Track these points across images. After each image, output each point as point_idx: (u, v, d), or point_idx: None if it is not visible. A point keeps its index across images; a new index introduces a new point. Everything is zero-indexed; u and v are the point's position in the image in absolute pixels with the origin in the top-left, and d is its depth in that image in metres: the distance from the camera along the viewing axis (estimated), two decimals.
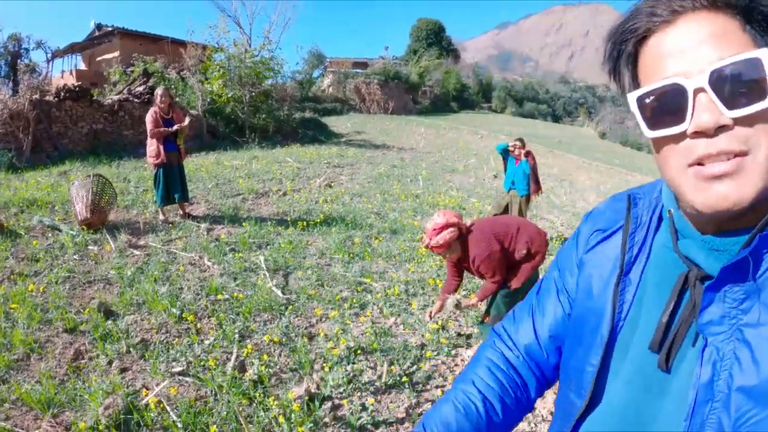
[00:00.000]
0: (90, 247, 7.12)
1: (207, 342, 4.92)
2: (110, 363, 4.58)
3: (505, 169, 9.07)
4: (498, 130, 34.85)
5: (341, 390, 4.36)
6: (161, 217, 8.50)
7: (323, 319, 5.58)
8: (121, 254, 6.93)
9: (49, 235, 7.48)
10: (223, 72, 20.42)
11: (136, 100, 17.26)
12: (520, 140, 8.81)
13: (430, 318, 5.08)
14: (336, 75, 43.18)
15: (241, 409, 3.99)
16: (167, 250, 7.16)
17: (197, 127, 18.41)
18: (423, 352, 5.10)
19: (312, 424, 3.91)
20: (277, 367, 4.67)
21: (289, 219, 8.82)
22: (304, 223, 8.52)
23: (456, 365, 5.04)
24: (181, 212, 8.77)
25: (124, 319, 5.27)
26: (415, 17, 58.43)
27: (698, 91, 0.75)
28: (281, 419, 3.84)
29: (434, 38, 62.22)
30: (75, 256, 6.77)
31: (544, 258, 4.96)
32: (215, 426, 3.71)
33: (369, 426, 4.01)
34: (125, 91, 18.11)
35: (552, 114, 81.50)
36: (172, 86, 20.25)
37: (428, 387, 4.62)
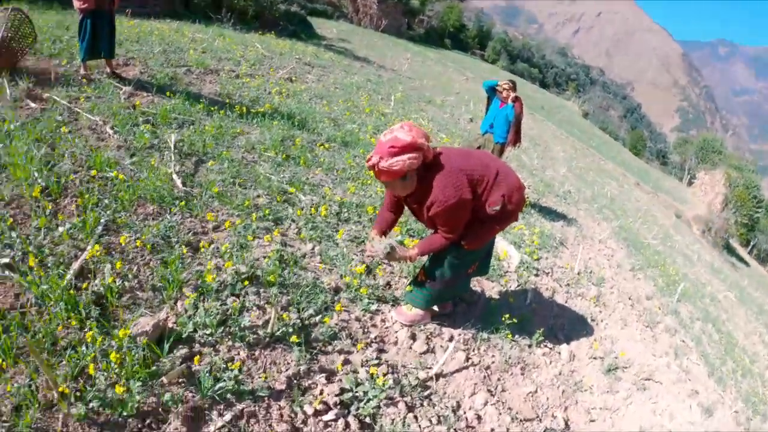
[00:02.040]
0: None
1: (60, 230, 3.64)
2: None
3: (487, 111, 7.88)
4: (485, 77, 33.40)
5: (207, 333, 3.21)
6: (82, 71, 6.97)
7: (221, 228, 4.33)
8: (14, 104, 5.45)
9: None
10: None
11: None
12: (512, 82, 7.63)
13: (367, 257, 3.99)
14: None
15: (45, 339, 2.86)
16: (70, 108, 5.70)
17: None
18: (335, 299, 3.96)
19: (147, 377, 2.81)
20: (136, 281, 3.47)
21: (228, 102, 7.38)
22: (244, 108, 7.08)
23: (373, 326, 3.93)
24: (108, 70, 7.24)
25: None
26: None
27: None
28: (112, 357, 2.74)
29: None
30: None
31: (516, 219, 3.81)
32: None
33: (228, 395, 2.91)
34: None
35: (541, 80, 79.86)
36: None
37: (328, 350, 3.52)
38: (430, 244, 3.64)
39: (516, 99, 7.50)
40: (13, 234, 3.49)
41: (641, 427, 4.13)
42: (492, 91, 7.72)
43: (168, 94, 6.87)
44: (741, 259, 36.82)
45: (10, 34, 6.23)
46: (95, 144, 5.04)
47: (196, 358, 2.97)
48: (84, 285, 3.24)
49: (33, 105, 5.54)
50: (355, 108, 9.85)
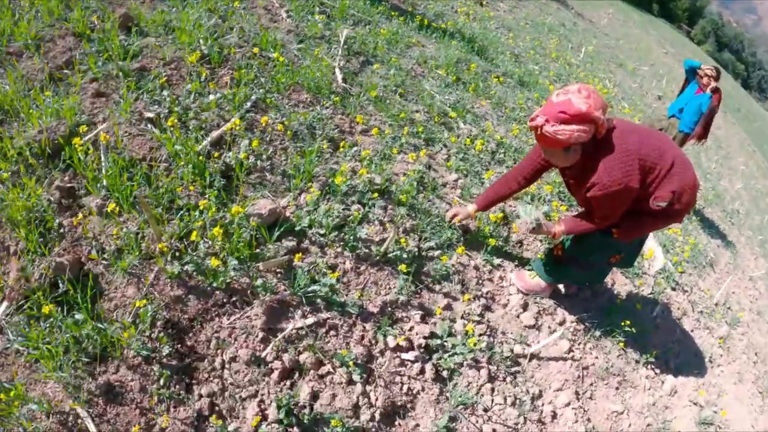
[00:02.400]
0: None
1: (210, 98, 3.52)
2: (94, 81, 3.41)
3: (680, 94, 6.98)
4: (686, 55, 30.65)
5: (321, 233, 3.01)
6: None
7: (369, 132, 4.04)
8: None
9: None
10: None
11: None
12: (717, 70, 6.66)
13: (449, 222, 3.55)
14: None
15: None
16: None
17: None
18: (461, 238, 3.64)
19: (248, 258, 2.75)
20: (269, 162, 3.31)
21: (411, 10, 6.95)
22: (426, 21, 6.58)
23: (488, 280, 3.60)
24: None
25: (139, 40, 3.85)
26: None
27: None
28: (215, 232, 2.62)
29: None
30: None
31: (680, 221, 3.22)
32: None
33: (318, 300, 2.79)
34: None
35: (745, 79, 72.54)
36: None
37: (435, 288, 3.26)
38: (577, 225, 3.17)
39: (716, 90, 6.56)
40: (165, 93, 3.43)
41: None
42: (692, 73, 6.82)
43: None
44: None
45: None
46: (266, 24, 4.83)
47: (297, 255, 2.77)
48: (216, 154, 3.13)
49: None
50: (542, 49, 9.16)
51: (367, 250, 3.06)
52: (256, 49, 4.14)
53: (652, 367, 4.07)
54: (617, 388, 3.70)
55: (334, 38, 5.07)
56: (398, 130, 4.19)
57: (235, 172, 3.08)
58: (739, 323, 5.82)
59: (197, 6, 4.48)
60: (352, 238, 3.03)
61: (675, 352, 4.47)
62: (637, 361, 3.98)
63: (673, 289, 5.21)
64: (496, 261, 3.67)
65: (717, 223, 8.43)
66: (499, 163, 4.72)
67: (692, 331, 4.93)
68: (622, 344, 3.87)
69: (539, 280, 3.62)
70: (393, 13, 6.37)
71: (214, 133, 3.26)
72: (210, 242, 2.72)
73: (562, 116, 2.64)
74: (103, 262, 2.56)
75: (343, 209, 3.18)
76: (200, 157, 3.04)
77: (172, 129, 3.11)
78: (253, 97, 3.69)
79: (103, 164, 2.88)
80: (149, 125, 3.17)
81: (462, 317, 3.18)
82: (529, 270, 3.70)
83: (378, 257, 3.07)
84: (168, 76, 3.59)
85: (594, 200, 2.90)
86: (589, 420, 3.38)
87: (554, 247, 3.55)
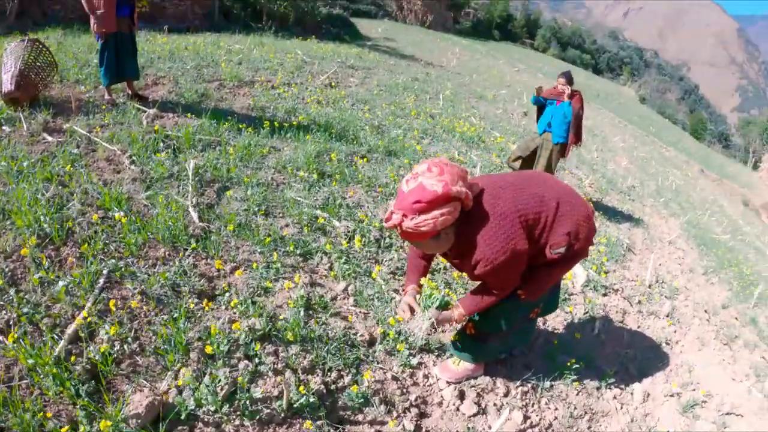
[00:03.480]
0: (4, 128, 5.17)
1: (59, 285, 3.08)
2: None
3: (540, 115, 7.19)
4: (537, 68, 32.45)
5: (210, 410, 2.60)
6: (107, 96, 6.48)
7: (242, 268, 3.72)
8: (30, 139, 4.99)
9: None
10: None
11: None
12: (566, 76, 6.87)
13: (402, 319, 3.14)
14: None
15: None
16: (89, 138, 5.21)
17: (208, 5, 16.36)
18: (368, 353, 3.30)
19: None
20: (137, 344, 2.89)
21: (260, 116, 6.81)
22: (276, 123, 6.45)
23: (414, 384, 3.25)
24: (130, 92, 6.75)
25: None
26: None
27: None
28: None
29: None
30: None
31: (585, 256, 3.02)
32: None
33: None
34: None
35: (594, 66, 77.51)
36: None
37: (358, 419, 2.87)
38: (478, 303, 2.89)
39: (572, 95, 6.76)
40: (12, 292, 3.01)
41: None
42: (539, 101, 7.07)
43: (189, 115, 6.29)
44: None
45: (27, 66, 5.88)
46: (110, 177, 4.52)
47: None
48: (73, 357, 2.69)
49: (50, 139, 5.07)
50: (401, 111, 9.20)
51: (268, 410, 2.68)
52: (95, 216, 3.74)
53: (615, 385, 3.88)
54: (590, 427, 3.45)
55: (183, 173, 4.77)
56: (269, 256, 3.88)
57: (101, 368, 2.66)
58: (678, 292, 5.89)
59: (33, 178, 4.11)
60: (247, 403, 2.64)
61: (631, 357, 4.34)
62: (598, 388, 3.77)
63: (605, 295, 5.16)
64: (414, 361, 3.35)
65: (618, 207, 8.64)
66: (388, 249, 4.49)
67: (638, 326, 4.86)
68: (576, 384, 3.65)
69: (465, 364, 3.31)
70: (241, 125, 6.15)
71: (70, 329, 2.82)
72: None
73: (418, 206, 2.36)
74: None
75: (231, 371, 2.80)
76: (61, 363, 2.62)
77: (22, 338, 2.67)
78: (105, 271, 3.28)
79: None
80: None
81: None
82: (451, 358, 3.40)
83: (282, 414, 2.70)
84: (11, 271, 3.18)
85: (485, 276, 2.65)
86: None
87: (464, 326, 3.27)
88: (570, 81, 6.81)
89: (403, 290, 3.19)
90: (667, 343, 4.73)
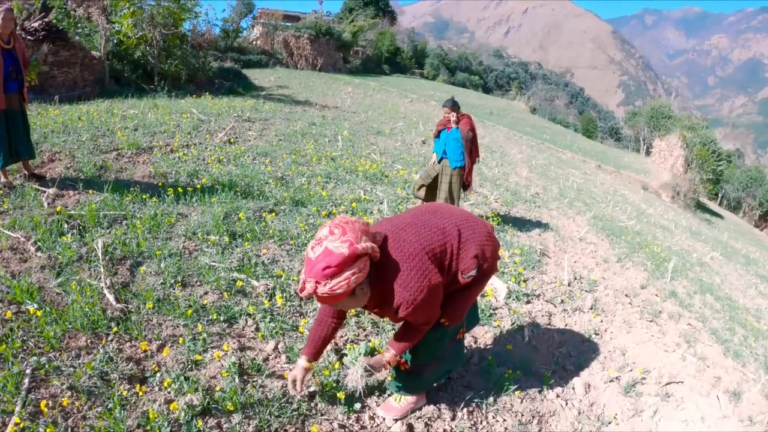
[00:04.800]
0: None
1: None
2: None
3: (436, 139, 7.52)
4: (429, 95, 33.32)
5: None
6: (2, 180, 6.19)
7: (169, 344, 3.69)
8: None
9: None
10: (134, 10, 17.55)
11: (30, 37, 14.26)
12: (449, 103, 7.24)
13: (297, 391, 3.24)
14: (265, 27, 40.34)
15: None
16: None
17: (98, 71, 15.99)
18: (310, 407, 3.34)
19: None
20: None
21: (162, 183, 6.74)
22: (180, 189, 6.40)
23: (362, 428, 3.30)
24: (26, 172, 6.52)
25: None
26: None
27: None
28: None
29: None
30: None
31: (496, 271, 3.23)
32: None
33: None
34: (18, 27, 15.11)
35: (483, 86, 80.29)
36: (78, 24, 17.58)
37: None
38: (405, 342, 3.02)
39: (460, 118, 7.12)
40: None
41: None
42: (441, 137, 7.35)
43: (90, 191, 6.14)
44: (714, 213, 37.42)
45: None
46: (17, 268, 4.34)
47: None
48: None
49: None
50: (302, 158, 9.30)
51: None
52: (8, 313, 3.62)
53: (556, 384, 4.09)
54: (540, 430, 3.62)
55: (92, 253, 4.67)
56: (194, 328, 3.87)
57: None
58: (596, 284, 6.26)
59: None
60: None
61: (565, 355, 4.58)
62: (540, 391, 3.97)
63: (528, 302, 5.40)
64: (357, 405, 3.41)
65: (526, 216, 9.02)
66: (310, 300, 4.53)
67: (565, 324, 5.12)
68: (518, 392, 3.83)
69: (406, 398, 3.40)
70: (145, 195, 6.09)
71: None
72: None
73: (329, 272, 2.44)
74: None
75: None
76: None
77: None
78: (29, 370, 3.16)
79: None
80: None
81: None
82: (391, 396, 3.49)
83: None
84: None
85: (408, 317, 2.77)
86: None
87: (398, 365, 3.34)
88: (454, 107, 7.13)
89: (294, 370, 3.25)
90: (597, 333, 5.01)
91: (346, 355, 3.20)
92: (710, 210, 38.79)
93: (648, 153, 49.82)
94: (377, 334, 4.25)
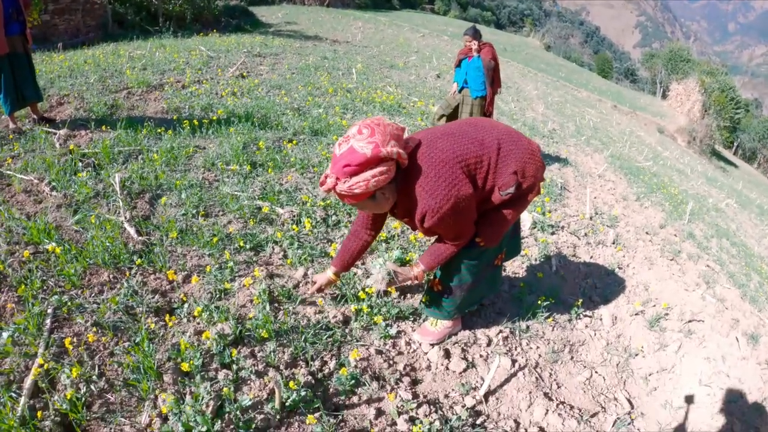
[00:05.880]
0: None
1: (4, 337, 2.79)
2: None
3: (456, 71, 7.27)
4: (441, 30, 32.62)
5: (202, 431, 2.40)
6: (11, 126, 5.89)
7: (195, 274, 3.53)
8: None
9: None
10: None
11: None
12: (471, 31, 6.96)
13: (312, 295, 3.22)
14: None
15: None
16: (0, 173, 4.72)
17: (101, 15, 15.56)
18: (345, 333, 3.22)
19: None
20: (104, 381, 2.65)
21: (175, 118, 6.51)
22: (196, 122, 6.16)
23: (398, 354, 3.19)
24: (35, 116, 6.20)
25: None
26: None
27: None
28: None
29: None
30: None
31: (538, 192, 2.98)
32: None
33: None
34: None
35: (496, 22, 78.67)
36: None
37: (353, 402, 2.77)
38: (436, 256, 2.86)
39: (482, 47, 6.85)
40: None
41: (701, 381, 3.67)
42: (462, 75, 7.10)
43: (104, 127, 5.92)
44: (729, 162, 36.98)
45: None
46: (32, 210, 4.15)
47: None
48: (39, 413, 2.39)
49: None
50: (318, 90, 9.02)
51: (262, 416, 2.54)
52: (26, 253, 3.44)
53: (585, 314, 4.04)
54: (572, 358, 3.56)
55: (110, 189, 4.48)
56: (220, 257, 3.72)
57: (72, 417, 2.41)
58: (617, 220, 6.18)
59: None
60: (238, 413, 2.49)
61: (591, 286, 4.53)
62: (570, 320, 3.92)
63: (553, 234, 5.28)
64: (393, 330, 3.29)
65: (545, 150, 8.91)
66: (336, 226, 4.41)
67: (591, 257, 5.03)
68: (550, 319, 3.77)
69: (442, 322, 3.30)
70: (159, 130, 5.87)
71: (27, 383, 2.54)
72: None
73: (348, 170, 2.33)
74: None
75: (211, 385, 2.62)
76: (27, 423, 2.34)
77: None
78: (50, 310, 3.00)
79: None
80: None
81: (399, 414, 2.74)
82: (427, 320, 3.37)
83: (278, 416, 2.59)
84: None
85: (435, 227, 2.59)
86: (571, 407, 3.15)
87: (431, 284, 3.23)
88: (475, 35, 6.86)
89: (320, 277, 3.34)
90: (620, 267, 4.92)
91: (378, 258, 3.04)
92: (725, 158, 38.29)
93: (664, 96, 48.82)
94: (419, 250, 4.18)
